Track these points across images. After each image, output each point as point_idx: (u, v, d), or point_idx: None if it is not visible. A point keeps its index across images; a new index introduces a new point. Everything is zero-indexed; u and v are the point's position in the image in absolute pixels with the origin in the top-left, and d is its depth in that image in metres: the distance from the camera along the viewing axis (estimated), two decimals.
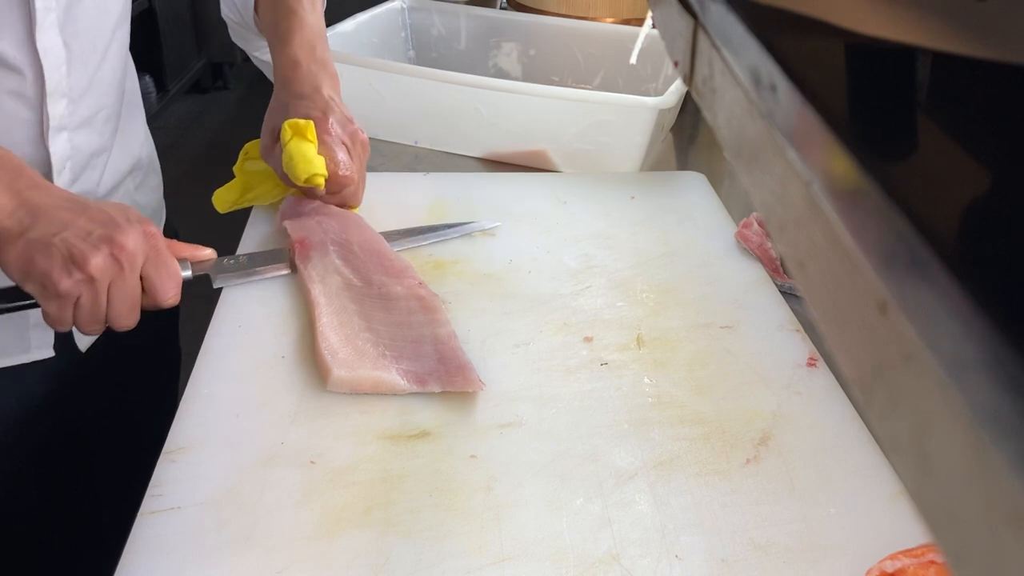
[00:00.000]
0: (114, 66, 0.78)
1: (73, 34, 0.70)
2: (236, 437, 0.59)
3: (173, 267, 0.66)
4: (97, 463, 0.93)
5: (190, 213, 1.04)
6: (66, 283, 0.60)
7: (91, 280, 0.60)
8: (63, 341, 0.80)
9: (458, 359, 0.66)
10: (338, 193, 0.81)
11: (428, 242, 0.82)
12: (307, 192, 0.81)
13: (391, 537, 0.52)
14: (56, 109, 0.70)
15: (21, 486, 0.85)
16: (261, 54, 0.99)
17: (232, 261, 0.75)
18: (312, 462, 0.57)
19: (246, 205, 0.87)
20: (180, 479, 0.55)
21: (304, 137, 0.77)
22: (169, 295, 0.65)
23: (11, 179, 0.60)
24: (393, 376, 0.64)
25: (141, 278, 0.64)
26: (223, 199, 0.86)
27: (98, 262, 0.60)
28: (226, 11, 0.95)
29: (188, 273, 0.69)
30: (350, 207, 0.83)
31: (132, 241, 0.62)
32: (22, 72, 0.67)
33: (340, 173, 0.79)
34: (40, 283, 0.60)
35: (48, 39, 0.68)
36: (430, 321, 0.70)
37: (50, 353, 0.79)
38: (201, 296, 0.74)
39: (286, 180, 0.80)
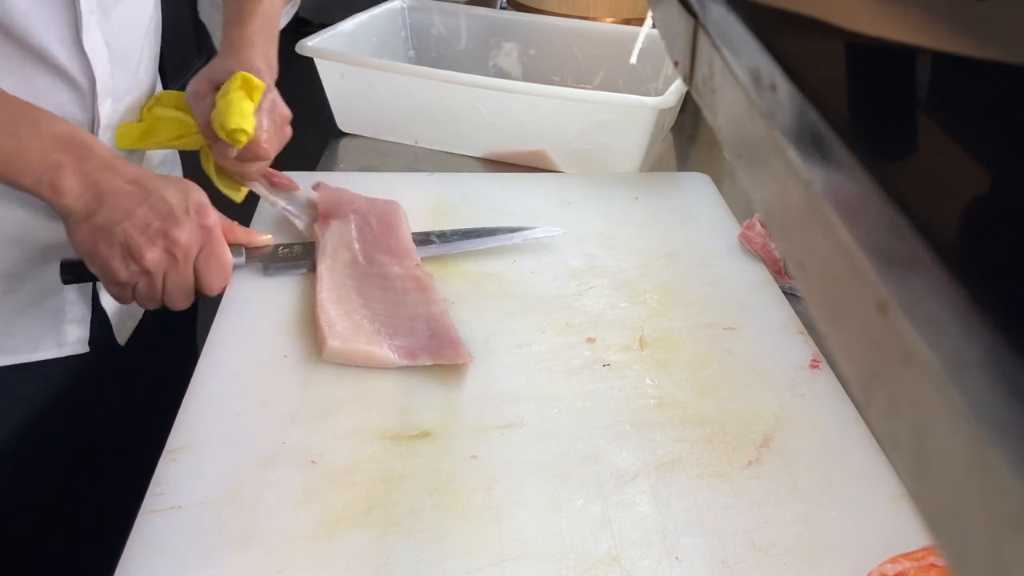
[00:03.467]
0: (148, 64, 0.81)
1: (112, 34, 0.72)
2: (237, 436, 0.59)
3: (225, 259, 0.69)
4: (103, 462, 0.93)
5: None
6: (124, 273, 0.65)
7: (147, 272, 0.65)
8: (95, 338, 0.81)
9: (448, 334, 0.68)
10: (247, 161, 0.80)
11: (486, 246, 0.81)
12: (218, 149, 0.79)
13: (391, 537, 0.52)
14: (104, 109, 0.73)
15: (25, 485, 0.85)
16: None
17: (286, 250, 0.77)
18: (313, 462, 0.57)
19: (147, 148, 0.85)
20: (181, 478, 0.55)
21: (249, 94, 0.77)
22: (216, 287, 0.69)
23: (80, 160, 0.63)
24: (385, 351, 0.66)
25: (194, 267, 0.67)
26: (124, 135, 0.83)
27: (153, 256, 0.64)
28: None
29: (242, 259, 0.72)
30: (247, 180, 0.84)
31: (186, 236, 0.65)
32: (74, 74, 0.70)
33: (262, 143, 0.78)
34: (101, 268, 0.65)
35: (93, 40, 0.70)
36: (424, 300, 0.72)
37: (84, 349, 0.80)
38: (205, 296, 0.74)
39: (205, 130, 0.79)
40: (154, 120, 0.85)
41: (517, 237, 0.82)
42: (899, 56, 0.19)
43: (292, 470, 0.57)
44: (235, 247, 0.71)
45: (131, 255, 0.64)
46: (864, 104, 0.19)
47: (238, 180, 0.85)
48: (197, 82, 0.82)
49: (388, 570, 0.50)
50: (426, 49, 1.30)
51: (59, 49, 0.68)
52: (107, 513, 0.85)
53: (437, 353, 0.66)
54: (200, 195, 0.68)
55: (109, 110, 0.74)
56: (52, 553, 0.93)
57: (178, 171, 0.99)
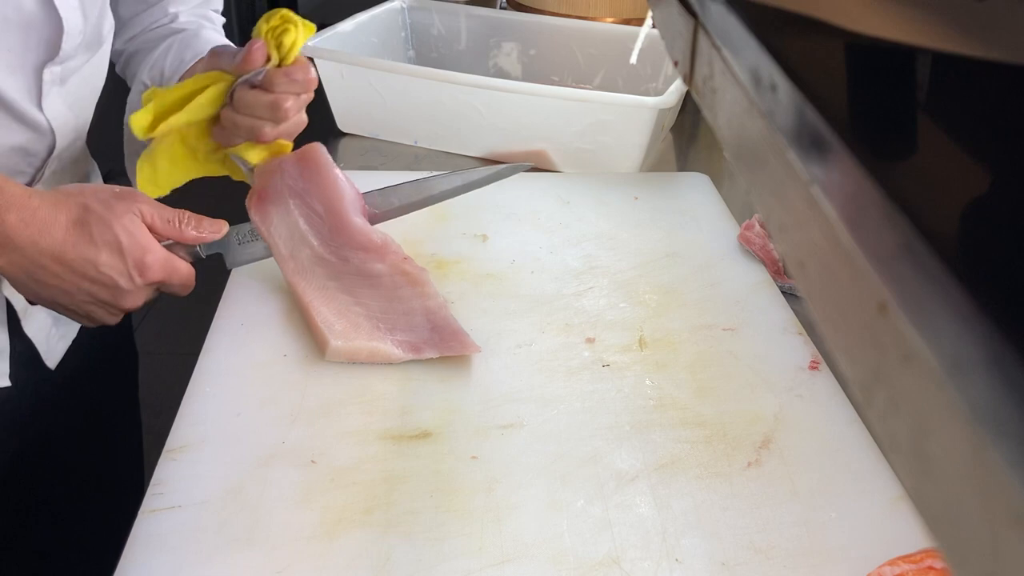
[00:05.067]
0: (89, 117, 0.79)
1: (75, 102, 0.72)
2: (237, 436, 0.59)
3: (186, 277, 0.67)
4: (96, 463, 0.93)
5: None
6: (89, 325, 0.67)
7: (109, 322, 0.67)
8: (26, 363, 0.78)
9: (451, 326, 0.68)
10: (291, 82, 0.69)
11: (458, 183, 0.78)
12: (251, 58, 0.68)
13: (392, 537, 0.52)
14: (50, 168, 0.72)
15: (23, 488, 0.85)
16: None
17: (238, 234, 0.72)
18: (313, 462, 0.57)
19: (161, 133, 0.71)
20: (181, 478, 0.55)
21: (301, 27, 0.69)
22: (183, 294, 0.68)
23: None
24: (388, 346, 0.66)
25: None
26: (140, 123, 0.70)
27: (115, 318, 0.66)
28: (145, 77, 0.83)
29: (201, 253, 0.70)
30: (280, 123, 0.71)
31: (138, 302, 0.65)
32: (38, 132, 0.69)
33: (310, 67, 0.71)
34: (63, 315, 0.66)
35: (54, 108, 0.69)
36: (419, 294, 0.71)
37: (6, 383, 0.76)
38: (204, 295, 0.74)
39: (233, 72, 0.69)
40: (163, 101, 0.71)
41: (479, 172, 0.79)
42: (899, 56, 0.19)
43: (292, 470, 0.57)
44: (190, 247, 0.69)
45: (91, 319, 0.66)
46: (864, 104, 0.19)
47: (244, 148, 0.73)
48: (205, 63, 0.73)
49: (388, 570, 0.50)
50: (426, 49, 1.30)
51: (28, 110, 0.67)
52: (106, 513, 0.85)
53: (442, 346, 0.67)
54: (136, 233, 0.62)
55: (53, 168, 0.72)
56: (52, 553, 0.93)
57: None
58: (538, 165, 1.04)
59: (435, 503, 0.55)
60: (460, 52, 1.29)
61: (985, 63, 0.15)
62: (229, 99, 0.71)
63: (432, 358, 0.66)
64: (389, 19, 1.26)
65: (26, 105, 0.67)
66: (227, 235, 0.71)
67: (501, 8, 1.45)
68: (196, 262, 0.69)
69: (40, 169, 0.71)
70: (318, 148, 0.74)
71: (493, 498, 0.55)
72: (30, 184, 0.71)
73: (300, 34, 0.68)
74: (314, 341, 0.68)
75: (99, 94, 0.78)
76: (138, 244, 0.63)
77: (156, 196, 0.73)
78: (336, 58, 1.05)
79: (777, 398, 0.66)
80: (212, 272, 0.73)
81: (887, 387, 0.14)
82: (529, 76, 1.25)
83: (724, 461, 0.60)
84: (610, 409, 0.64)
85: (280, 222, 0.72)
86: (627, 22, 1.28)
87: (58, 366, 0.83)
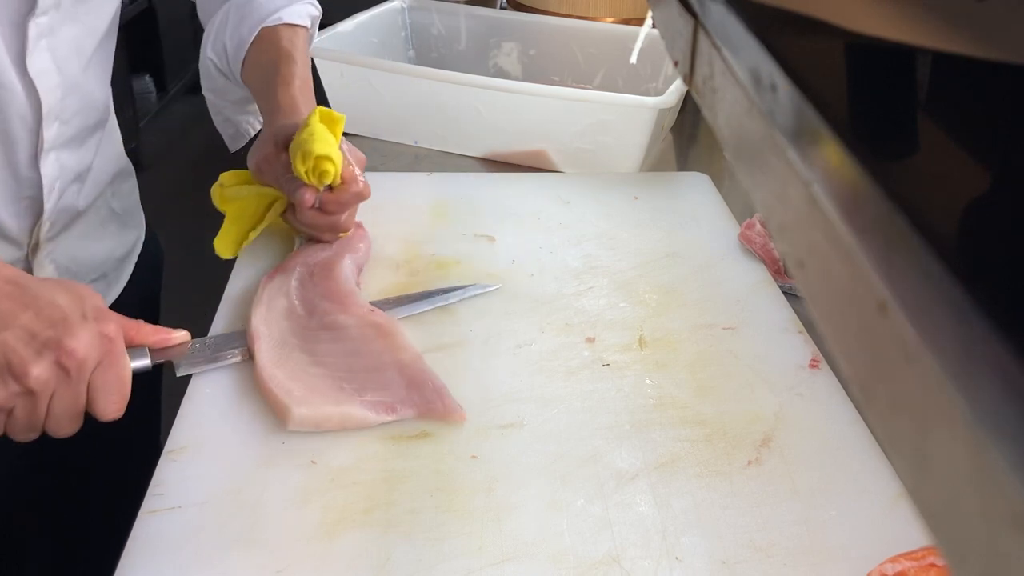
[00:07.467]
0: (100, 84, 0.77)
1: (64, 57, 0.69)
2: (237, 436, 0.59)
3: (124, 378, 0.56)
4: (96, 463, 0.93)
5: (189, 214, 1.04)
6: (0, 395, 0.52)
7: (30, 393, 0.52)
8: None
9: (430, 382, 0.62)
10: (344, 205, 0.75)
11: (424, 309, 0.73)
12: (302, 199, 0.72)
13: (392, 537, 0.52)
14: (49, 132, 0.69)
15: (19, 487, 0.85)
16: (231, 112, 0.94)
17: (198, 345, 0.66)
18: (313, 462, 0.57)
19: (252, 238, 0.78)
20: (181, 478, 0.55)
21: (330, 127, 0.72)
22: (111, 411, 0.56)
23: None
24: (358, 409, 0.60)
25: (88, 385, 0.55)
26: (226, 243, 0.78)
27: (40, 373, 0.52)
28: (210, 53, 0.89)
29: (147, 362, 0.60)
30: (340, 232, 0.78)
31: (84, 346, 0.53)
32: (20, 97, 0.66)
33: (359, 179, 0.74)
34: None
35: (40, 63, 0.66)
36: (390, 347, 0.65)
37: None
38: (205, 296, 0.73)
39: (287, 186, 0.74)
40: (235, 205, 0.78)
41: (452, 297, 0.75)
42: (899, 56, 0.19)
43: (292, 470, 0.57)
44: (137, 348, 0.60)
45: (11, 372, 0.51)
46: (864, 104, 0.19)
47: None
48: (261, 148, 0.77)
49: (388, 570, 0.50)
50: (426, 49, 1.30)
51: (8, 72, 0.64)
52: (106, 513, 0.85)
53: (422, 406, 0.61)
54: (97, 298, 0.57)
55: (55, 133, 0.69)
56: (52, 554, 0.93)
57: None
58: (538, 165, 1.04)
59: (435, 503, 0.55)
60: (460, 52, 1.29)
61: (985, 63, 0.15)
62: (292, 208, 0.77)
63: (409, 417, 0.61)
64: (389, 19, 1.26)
65: (5, 64, 0.64)
66: (185, 345, 0.64)
67: (501, 8, 1.45)
68: (139, 375, 0.59)
69: (38, 134, 0.68)
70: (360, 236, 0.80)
71: (493, 498, 0.55)
72: (35, 154, 0.68)
73: (337, 164, 0.71)
74: (273, 411, 0.60)
75: (95, 47, 0.74)
76: (100, 299, 0.58)
77: (230, 256, 0.78)
78: (336, 58, 1.05)
79: (777, 397, 0.66)
80: (213, 272, 0.73)
81: (887, 387, 0.14)
82: (529, 76, 1.25)
83: (724, 460, 0.60)
84: (610, 408, 0.64)
85: (278, 280, 0.72)
86: (627, 22, 1.28)
87: None
